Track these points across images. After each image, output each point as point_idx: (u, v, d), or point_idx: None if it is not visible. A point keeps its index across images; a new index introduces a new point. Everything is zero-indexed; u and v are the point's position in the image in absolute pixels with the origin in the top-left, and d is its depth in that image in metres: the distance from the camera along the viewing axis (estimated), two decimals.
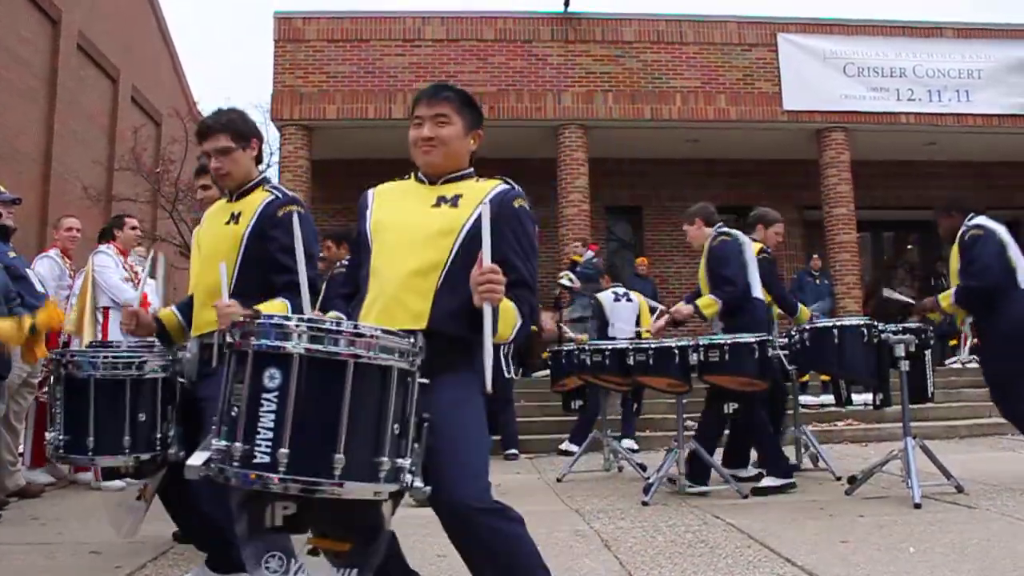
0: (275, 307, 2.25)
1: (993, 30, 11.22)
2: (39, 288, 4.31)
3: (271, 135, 10.64)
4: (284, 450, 1.41)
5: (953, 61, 10.97)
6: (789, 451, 4.96)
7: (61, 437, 2.48)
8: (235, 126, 2.50)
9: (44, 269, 5.03)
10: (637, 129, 10.64)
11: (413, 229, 1.87)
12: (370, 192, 2.06)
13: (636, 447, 6.46)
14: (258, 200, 2.48)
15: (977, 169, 12.08)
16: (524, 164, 11.50)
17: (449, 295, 1.79)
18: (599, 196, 10.87)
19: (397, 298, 1.80)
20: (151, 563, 3.01)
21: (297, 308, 2.14)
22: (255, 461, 1.42)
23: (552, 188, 10.52)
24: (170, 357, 2.56)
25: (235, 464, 1.43)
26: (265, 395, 1.44)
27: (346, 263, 3.23)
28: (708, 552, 3.01)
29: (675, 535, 3.32)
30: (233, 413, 1.47)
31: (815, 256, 10.33)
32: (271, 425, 1.43)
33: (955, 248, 4.39)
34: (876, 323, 4.20)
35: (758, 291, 4.65)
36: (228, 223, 2.48)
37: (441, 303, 1.79)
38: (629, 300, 6.86)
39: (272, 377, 1.44)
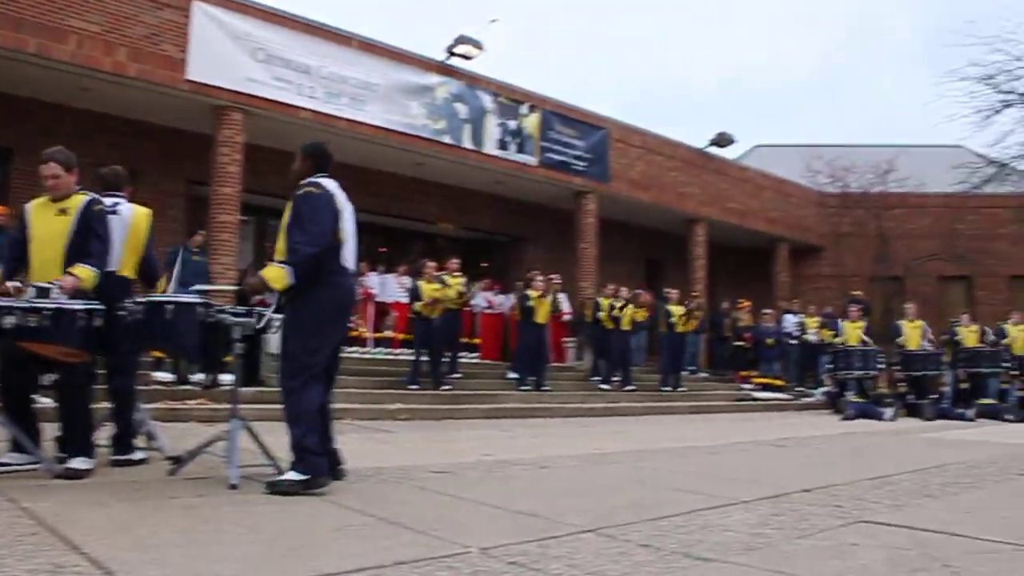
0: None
1: (391, 51, 15.06)
2: None
3: None
4: None
5: (354, 70, 14.45)
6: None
7: None
8: None
9: None
10: (18, 62, 11.32)
11: None
12: None
13: None
14: None
15: (362, 174, 16.01)
16: None
17: None
18: None
19: None
20: None
21: None
22: None
23: None
24: None
25: None
26: None
27: None
28: None
29: None
30: None
31: (200, 232, 12.68)
32: None
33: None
34: (213, 303, 5.15)
35: (115, 265, 5.38)
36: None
37: None
38: None
39: None
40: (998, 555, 3.41)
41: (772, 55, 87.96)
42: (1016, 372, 16.04)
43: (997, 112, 23.26)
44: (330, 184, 4.95)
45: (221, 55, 12.92)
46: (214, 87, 12.83)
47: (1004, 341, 16.28)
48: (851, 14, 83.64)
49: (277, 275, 4.70)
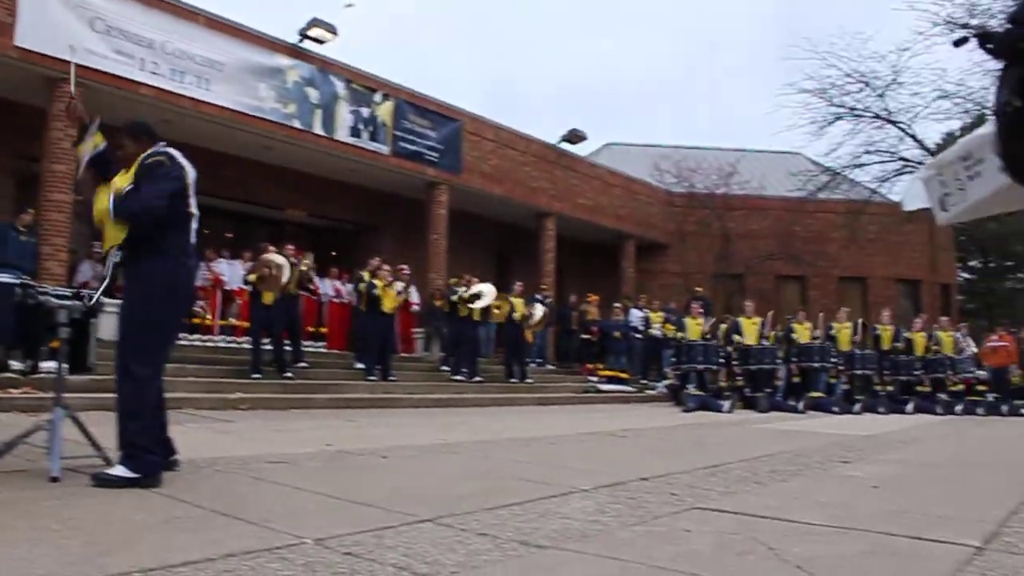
0: None
1: (240, 30, 14.64)
2: None
3: None
4: None
5: (200, 48, 13.96)
6: None
7: None
8: None
9: None
10: None
11: None
12: None
13: None
14: None
15: (208, 156, 15.47)
16: None
17: None
18: None
19: None
20: None
21: None
22: None
23: None
24: None
25: None
26: None
27: None
28: None
29: None
30: None
31: (29, 210, 12.01)
32: None
33: (131, 172, 4.61)
34: (35, 284, 4.89)
35: None
36: None
37: None
38: None
39: None
40: (817, 536, 3.60)
41: (623, 58, 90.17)
42: (843, 367, 17.02)
43: (830, 124, 24.70)
44: (181, 157, 4.72)
45: (55, 22, 12.20)
46: (47, 56, 12.10)
47: (831, 333, 17.29)
48: (699, 24, 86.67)
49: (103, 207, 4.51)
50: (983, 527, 3.87)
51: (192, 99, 13.86)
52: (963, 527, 3.84)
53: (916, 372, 17.67)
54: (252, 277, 12.57)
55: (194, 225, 4.76)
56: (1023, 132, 0.98)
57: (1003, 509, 4.43)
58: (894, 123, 24.69)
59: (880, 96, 24.25)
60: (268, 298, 12.54)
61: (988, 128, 1.03)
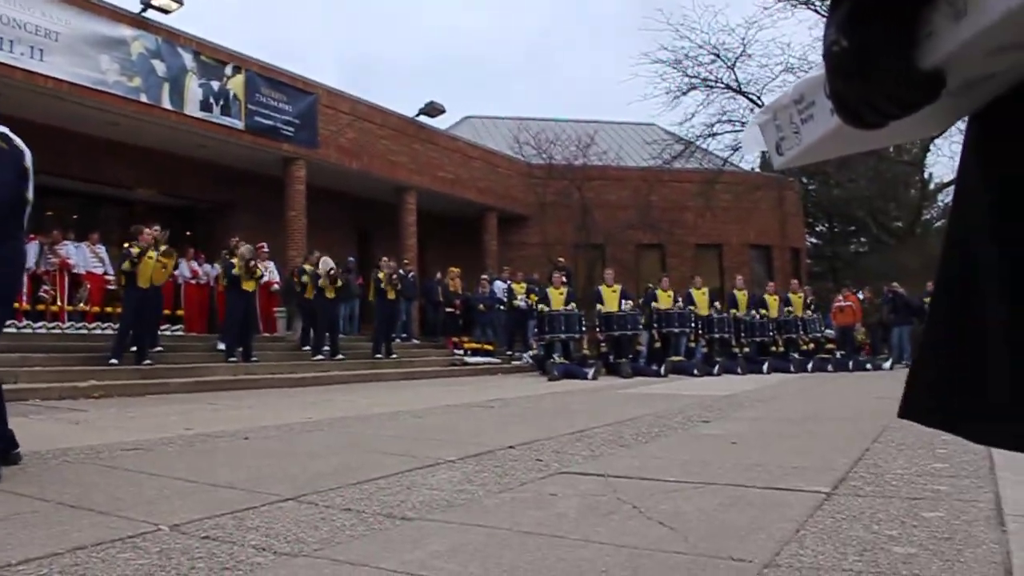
0: None
1: None
2: None
3: None
4: None
5: (33, 16, 13.14)
6: None
7: None
8: None
9: None
10: None
11: None
12: None
13: None
14: None
15: (46, 133, 14.65)
16: None
17: None
18: None
19: None
20: None
21: None
22: None
23: None
24: None
25: None
26: None
27: None
28: None
29: None
30: None
31: None
32: None
33: None
34: None
35: None
36: None
37: None
38: None
39: None
40: (678, 492, 3.70)
41: (482, 30, 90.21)
42: (702, 331, 17.61)
43: (684, 94, 25.41)
44: (17, 139, 4.41)
45: None
46: None
47: (691, 307, 17.82)
48: None
49: None
50: (833, 474, 4.06)
51: (25, 71, 13.02)
52: (814, 476, 4.02)
53: (770, 333, 18.46)
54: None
55: (28, 211, 4.49)
56: (849, 71, 0.99)
57: (850, 457, 4.66)
58: (744, 94, 25.57)
59: (731, 68, 25.08)
60: (144, 282, 12.14)
61: (820, 70, 1.05)
